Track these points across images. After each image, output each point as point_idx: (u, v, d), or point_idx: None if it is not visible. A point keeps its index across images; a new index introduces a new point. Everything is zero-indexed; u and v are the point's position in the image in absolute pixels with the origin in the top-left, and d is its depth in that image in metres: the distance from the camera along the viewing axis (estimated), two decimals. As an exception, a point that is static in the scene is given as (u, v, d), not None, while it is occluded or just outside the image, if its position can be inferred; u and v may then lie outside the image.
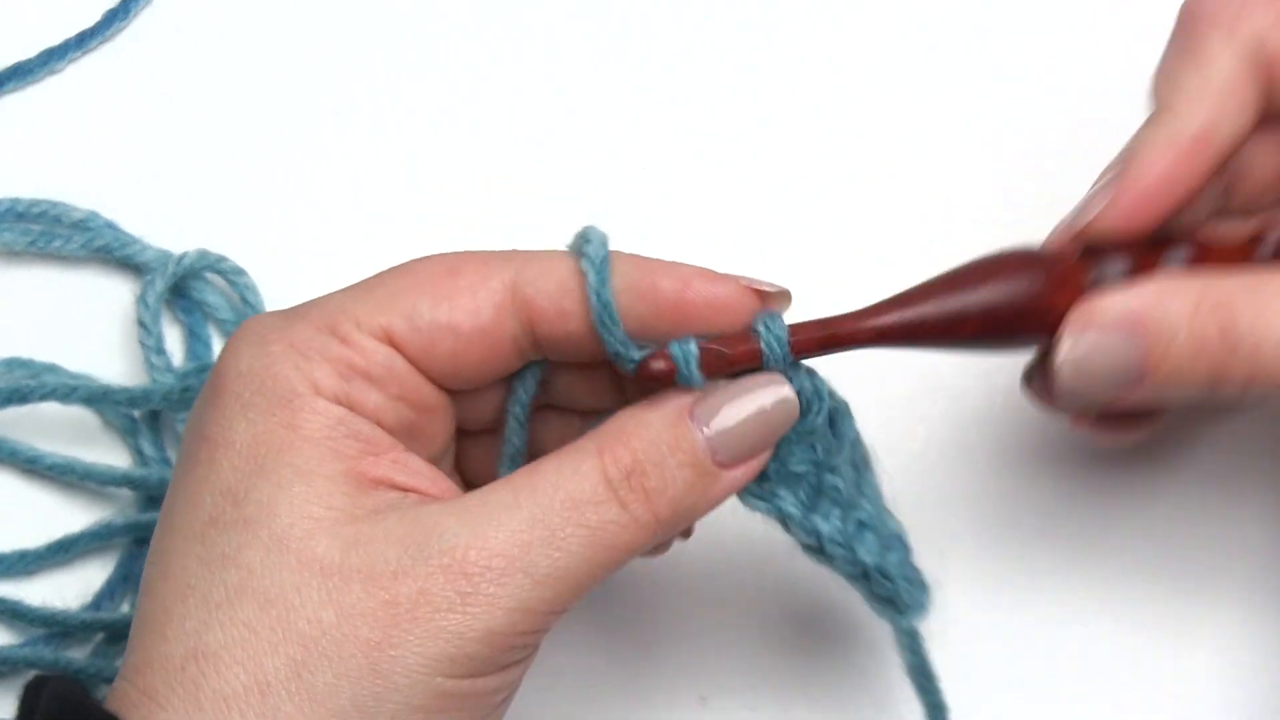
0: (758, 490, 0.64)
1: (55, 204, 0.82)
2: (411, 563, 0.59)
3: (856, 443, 0.66)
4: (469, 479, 0.68)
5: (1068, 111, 0.83)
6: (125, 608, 0.78)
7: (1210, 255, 0.66)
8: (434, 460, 0.65)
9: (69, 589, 0.78)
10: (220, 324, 0.81)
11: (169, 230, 0.82)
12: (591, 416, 0.66)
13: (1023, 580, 0.75)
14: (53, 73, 0.86)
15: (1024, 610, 0.75)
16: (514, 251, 0.64)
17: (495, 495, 0.60)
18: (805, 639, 0.74)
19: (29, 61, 0.85)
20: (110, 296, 0.81)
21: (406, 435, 0.64)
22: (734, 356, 0.62)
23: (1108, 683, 0.74)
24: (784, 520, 0.64)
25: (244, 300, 0.80)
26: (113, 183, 0.83)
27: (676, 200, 0.83)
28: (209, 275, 0.81)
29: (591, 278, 0.62)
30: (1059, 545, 0.76)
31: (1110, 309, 0.63)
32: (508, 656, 0.60)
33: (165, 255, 0.81)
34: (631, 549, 0.61)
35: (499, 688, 0.61)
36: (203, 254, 0.80)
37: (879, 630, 0.71)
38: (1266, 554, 0.75)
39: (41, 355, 0.80)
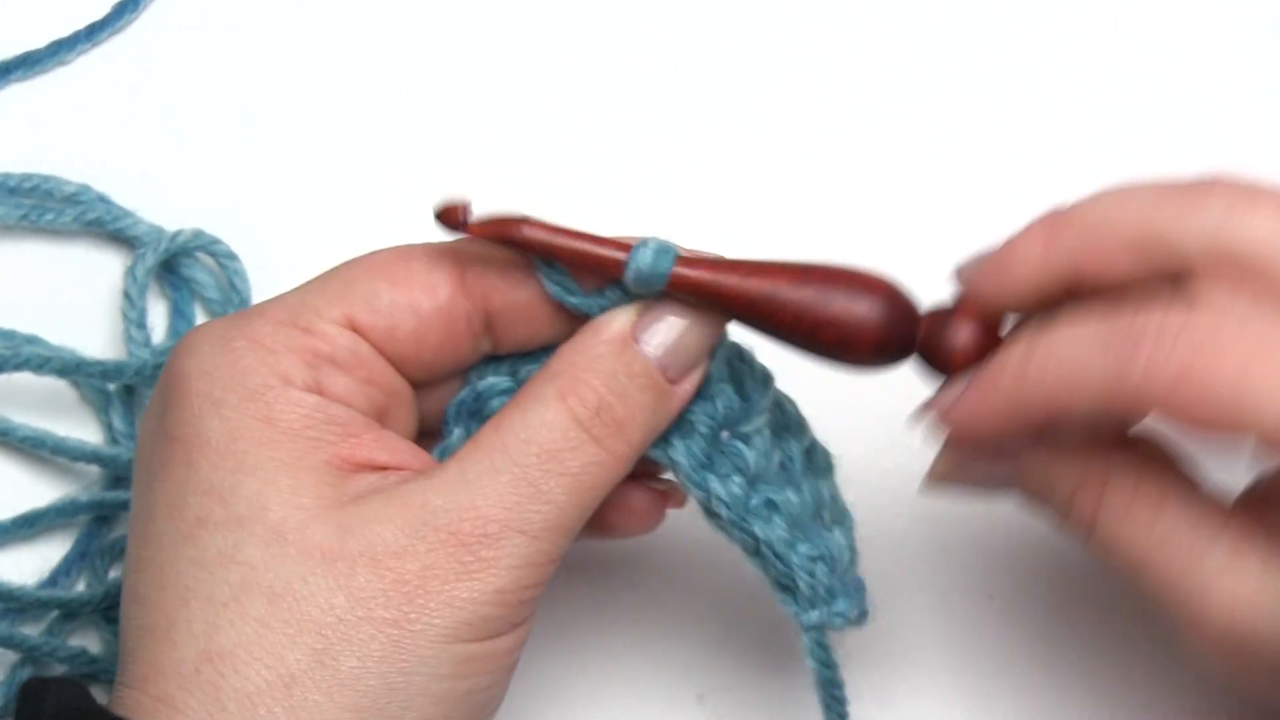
0: None
1: (47, 178, 0.81)
2: (409, 541, 0.60)
3: (793, 430, 0.67)
4: None
5: (1074, 113, 0.84)
6: (81, 585, 0.77)
7: None
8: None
9: (26, 564, 0.77)
10: (206, 303, 0.80)
11: (166, 215, 0.82)
12: None
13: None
14: (61, 64, 0.86)
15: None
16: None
17: (471, 463, 0.61)
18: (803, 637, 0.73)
19: (37, 52, 0.85)
20: (100, 271, 0.81)
21: (378, 420, 0.64)
22: (596, 258, 0.62)
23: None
24: (673, 468, 0.65)
25: (231, 285, 0.80)
26: (116, 173, 0.83)
27: (679, 195, 0.84)
28: (199, 255, 0.80)
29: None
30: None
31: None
32: (518, 613, 0.61)
33: (158, 231, 0.80)
34: (612, 483, 0.62)
35: (513, 646, 0.62)
36: (198, 233, 0.80)
37: (878, 630, 0.71)
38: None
39: (27, 327, 0.80)
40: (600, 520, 0.65)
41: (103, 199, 0.81)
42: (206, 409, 0.61)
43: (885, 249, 0.75)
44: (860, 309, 0.63)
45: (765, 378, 0.66)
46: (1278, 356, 0.58)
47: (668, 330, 0.63)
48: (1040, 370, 0.61)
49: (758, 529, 0.64)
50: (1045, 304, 0.63)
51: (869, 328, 0.63)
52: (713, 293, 0.63)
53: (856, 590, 0.66)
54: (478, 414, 0.65)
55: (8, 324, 0.80)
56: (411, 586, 0.59)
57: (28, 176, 0.81)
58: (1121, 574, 0.62)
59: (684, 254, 0.63)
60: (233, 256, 0.80)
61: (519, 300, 0.64)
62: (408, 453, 0.63)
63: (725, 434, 0.65)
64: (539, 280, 0.64)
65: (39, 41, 0.86)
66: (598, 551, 0.72)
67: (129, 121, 0.85)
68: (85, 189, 0.81)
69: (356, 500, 0.60)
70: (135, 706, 0.59)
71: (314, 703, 0.58)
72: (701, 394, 0.64)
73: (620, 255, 0.62)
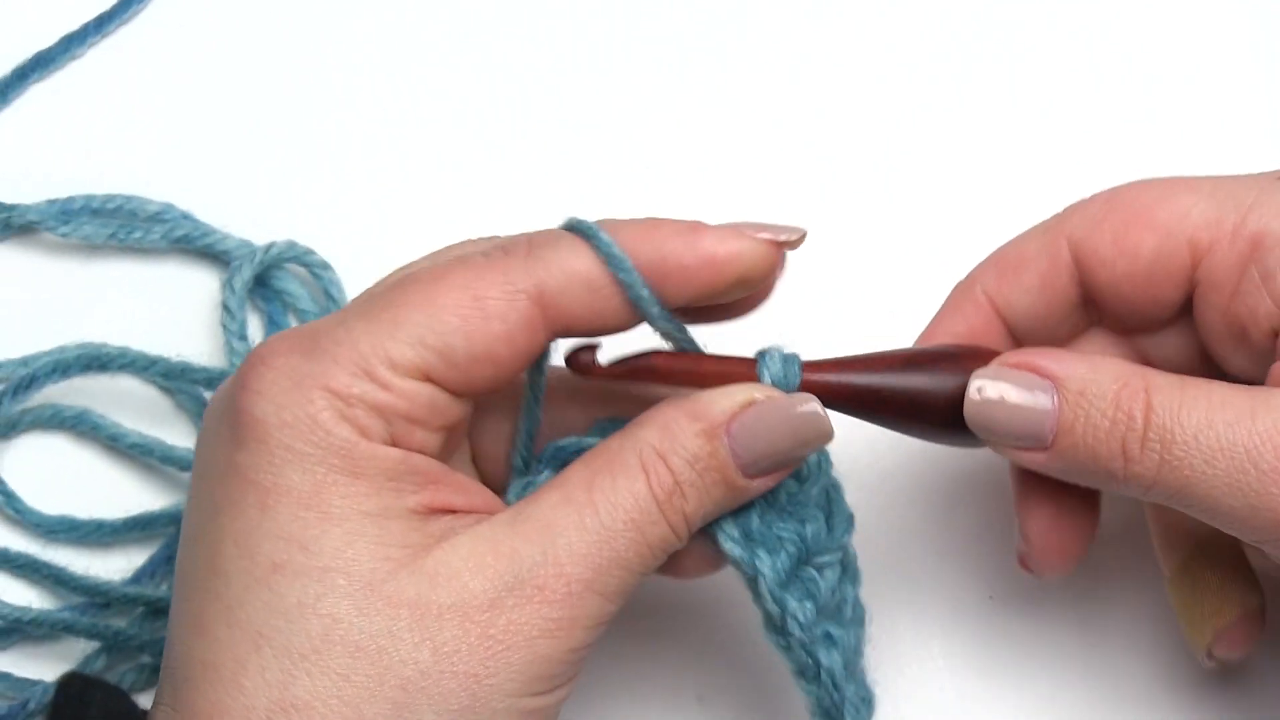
0: (739, 539, 0.65)
1: (130, 198, 0.82)
2: (498, 594, 0.60)
3: (852, 577, 0.68)
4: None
5: (1078, 121, 0.86)
6: (165, 587, 0.77)
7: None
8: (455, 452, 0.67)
9: (112, 565, 0.77)
10: (300, 314, 0.81)
11: (205, 210, 0.82)
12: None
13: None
14: (74, 58, 0.86)
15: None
16: (524, 255, 0.63)
17: (560, 515, 0.62)
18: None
19: (50, 50, 0.85)
20: (188, 286, 0.81)
21: (447, 452, 0.65)
22: (729, 380, 0.64)
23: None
24: (754, 579, 0.65)
25: (327, 294, 0.80)
26: (142, 169, 0.83)
27: (679, 194, 0.84)
28: (289, 265, 0.81)
29: (624, 277, 0.62)
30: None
31: (1036, 359, 0.64)
32: (578, 667, 0.63)
33: (246, 245, 0.81)
34: (671, 552, 0.64)
35: (565, 696, 0.63)
36: (291, 244, 0.80)
37: (879, 630, 0.72)
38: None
39: (120, 343, 0.79)
40: (675, 565, 0.66)
41: (187, 216, 0.82)
42: (288, 460, 0.61)
43: (881, 254, 0.81)
44: (953, 378, 0.65)
45: (850, 517, 0.67)
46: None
47: (766, 434, 0.63)
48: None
49: (822, 655, 0.65)
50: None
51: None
52: (841, 394, 0.65)
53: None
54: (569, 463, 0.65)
55: (100, 339, 0.80)
56: (496, 641, 0.60)
57: (111, 197, 0.81)
58: (1188, 491, 0.62)
59: (806, 359, 0.65)
60: (326, 266, 0.80)
61: (604, 327, 0.64)
62: (478, 494, 0.64)
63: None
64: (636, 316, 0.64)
65: (48, 40, 0.86)
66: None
67: (138, 115, 0.85)
68: (169, 207, 0.82)
69: (440, 543, 0.61)
70: None
71: None
72: (796, 515, 0.66)
73: (749, 373, 0.64)
